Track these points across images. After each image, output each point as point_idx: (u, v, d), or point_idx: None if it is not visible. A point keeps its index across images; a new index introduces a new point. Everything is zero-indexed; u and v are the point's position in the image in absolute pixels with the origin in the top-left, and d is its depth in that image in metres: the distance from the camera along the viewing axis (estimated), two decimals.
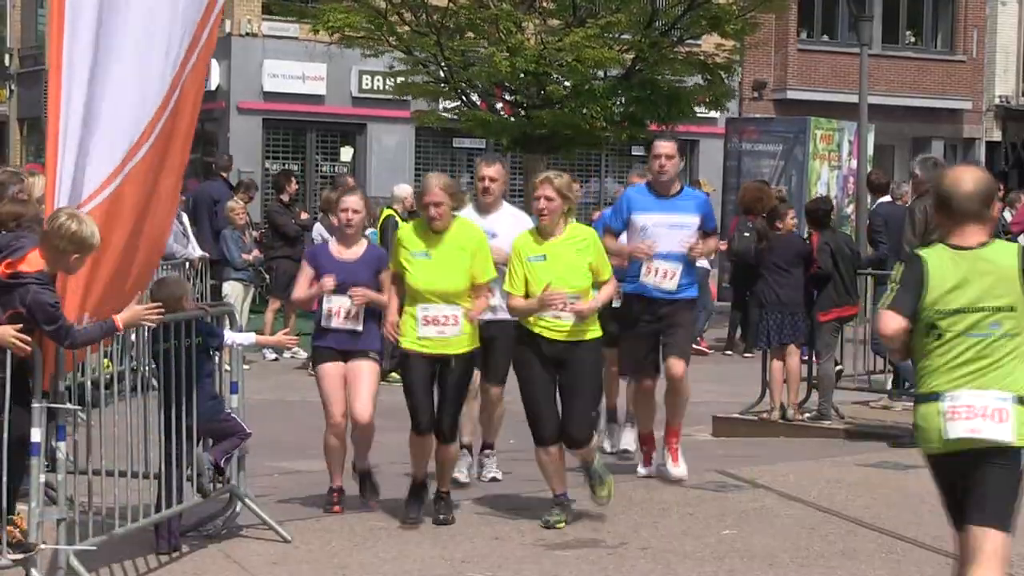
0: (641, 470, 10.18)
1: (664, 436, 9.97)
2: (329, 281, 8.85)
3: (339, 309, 8.87)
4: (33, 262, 6.98)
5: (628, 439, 11.11)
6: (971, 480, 5.67)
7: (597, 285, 8.71)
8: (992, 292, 5.67)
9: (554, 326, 8.51)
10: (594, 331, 8.60)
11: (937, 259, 5.72)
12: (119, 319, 7.16)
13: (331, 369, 8.91)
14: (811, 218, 13.12)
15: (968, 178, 5.82)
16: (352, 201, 9.10)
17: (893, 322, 5.71)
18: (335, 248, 9.17)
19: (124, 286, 7.54)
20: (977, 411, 5.62)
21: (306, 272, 9.11)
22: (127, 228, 7.46)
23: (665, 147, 9.79)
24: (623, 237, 9.89)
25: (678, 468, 9.87)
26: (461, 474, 9.70)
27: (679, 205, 9.72)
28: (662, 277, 9.56)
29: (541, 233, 8.65)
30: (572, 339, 8.51)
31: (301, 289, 9.13)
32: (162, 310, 7.48)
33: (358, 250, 9.10)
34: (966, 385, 5.64)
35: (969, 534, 5.69)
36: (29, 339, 6.90)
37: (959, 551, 5.81)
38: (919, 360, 5.80)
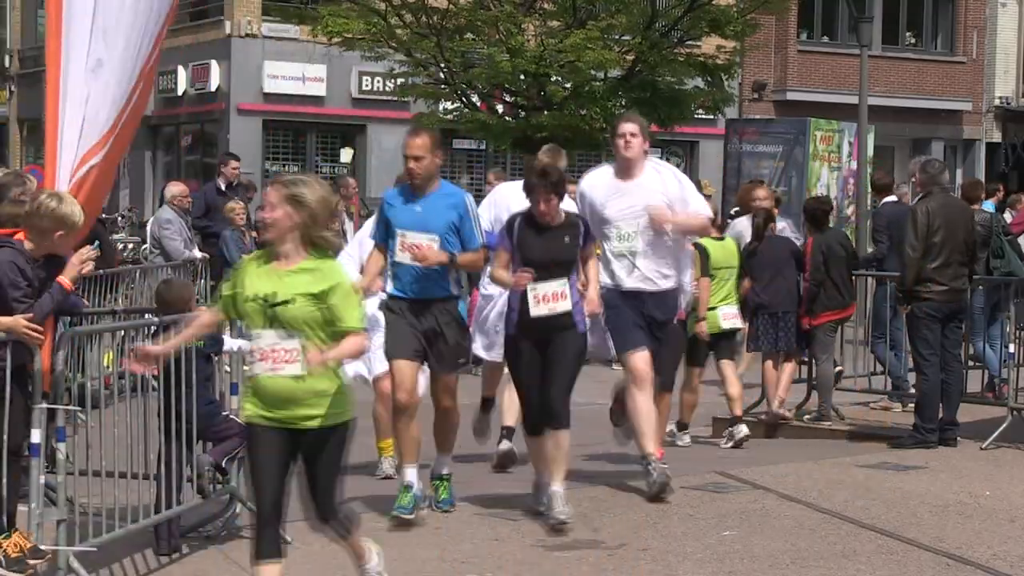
0: None
1: None
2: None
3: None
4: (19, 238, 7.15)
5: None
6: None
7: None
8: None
9: None
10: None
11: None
12: (63, 279, 7.24)
13: None
14: (809, 218, 13.02)
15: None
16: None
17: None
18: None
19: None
20: None
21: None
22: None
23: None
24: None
25: None
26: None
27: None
28: None
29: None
30: None
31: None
32: (95, 253, 7.58)
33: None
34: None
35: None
36: (42, 329, 6.95)
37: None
38: None
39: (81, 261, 7.36)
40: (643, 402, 9.29)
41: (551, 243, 8.56)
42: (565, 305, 8.52)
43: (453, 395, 8.88)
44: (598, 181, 9.65)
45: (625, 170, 9.48)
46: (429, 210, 8.54)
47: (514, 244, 8.66)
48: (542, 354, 8.60)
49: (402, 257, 8.53)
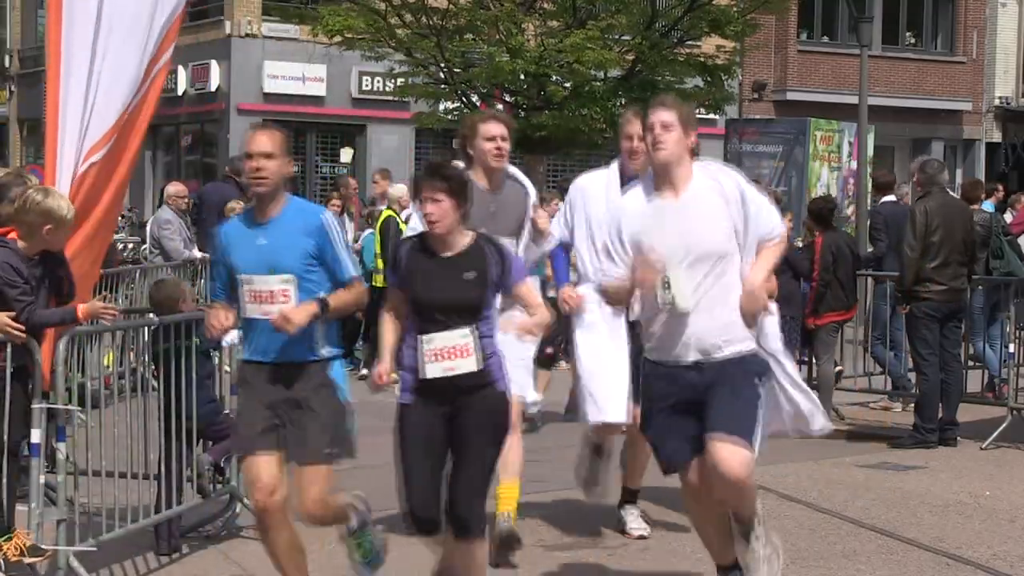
0: None
1: None
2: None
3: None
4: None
5: None
6: None
7: None
8: None
9: None
10: None
11: None
12: (81, 309, 7.21)
13: None
14: (816, 217, 12.97)
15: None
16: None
17: None
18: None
19: (86, 264, 7.81)
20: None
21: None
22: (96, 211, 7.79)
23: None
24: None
25: None
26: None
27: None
28: None
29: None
30: None
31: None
32: (115, 312, 7.49)
33: None
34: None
35: None
36: (23, 328, 6.93)
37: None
38: None
39: (104, 308, 7.32)
40: (701, 515, 6.66)
41: (448, 279, 6.13)
42: (468, 364, 6.10)
43: (324, 496, 6.29)
44: (627, 204, 6.51)
45: (662, 180, 6.39)
46: (277, 240, 6.25)
47: (404, 279, 6.25)
48: (445, 427, 6.20)
49: (253, 311, 6.27)
